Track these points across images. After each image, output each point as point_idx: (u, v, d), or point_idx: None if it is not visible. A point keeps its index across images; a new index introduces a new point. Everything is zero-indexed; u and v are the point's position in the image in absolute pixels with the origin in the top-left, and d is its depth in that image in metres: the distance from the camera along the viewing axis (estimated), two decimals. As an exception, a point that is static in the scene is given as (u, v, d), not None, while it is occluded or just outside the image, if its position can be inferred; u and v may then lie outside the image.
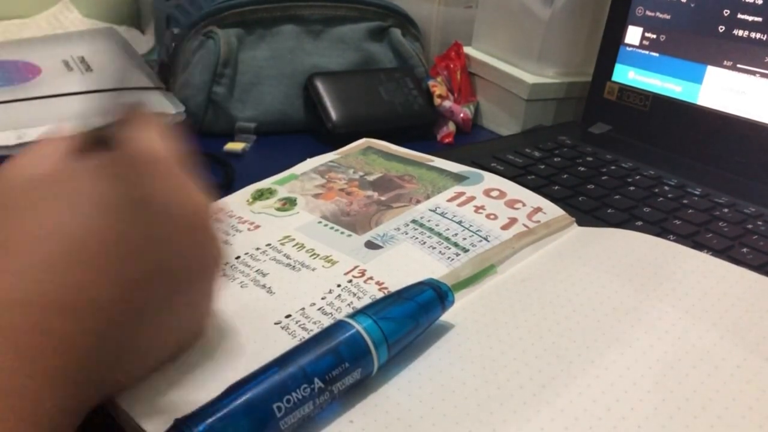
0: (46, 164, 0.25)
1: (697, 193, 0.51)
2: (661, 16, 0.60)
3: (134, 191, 0.25)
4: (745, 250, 0.43)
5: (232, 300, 0.34)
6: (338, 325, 0.28)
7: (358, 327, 0.28)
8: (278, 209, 0.43)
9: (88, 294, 0.23)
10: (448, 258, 0.38)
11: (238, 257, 0.38)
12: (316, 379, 0.26)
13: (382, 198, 0.45)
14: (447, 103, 0.67)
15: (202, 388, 0.27)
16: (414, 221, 0.41)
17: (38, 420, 0.21)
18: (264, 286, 0.35)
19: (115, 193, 0.25)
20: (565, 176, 0.54)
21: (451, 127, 0.67)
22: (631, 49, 0.63)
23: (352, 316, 0.29)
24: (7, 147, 0.54)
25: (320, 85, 0.63)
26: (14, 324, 0.21)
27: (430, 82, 0.69)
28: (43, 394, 0.21)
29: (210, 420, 0.23)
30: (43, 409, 0.21)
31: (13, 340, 0.21)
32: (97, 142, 0.26)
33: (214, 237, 0.28)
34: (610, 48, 0.64)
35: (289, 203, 0.44)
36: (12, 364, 0.21)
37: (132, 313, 0.25)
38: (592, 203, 0.49)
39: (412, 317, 0.30)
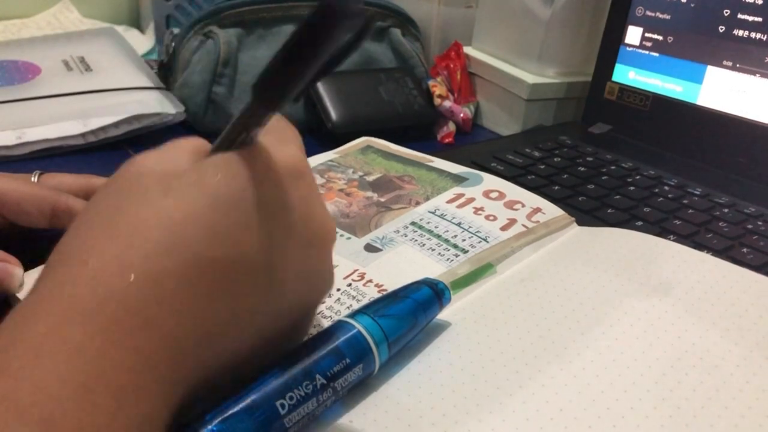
0: (161, 163, 0.25)
1: (697, 193, 0.51)
2: (661, 16, 0.60)
3: (264, 194, 0.24)
4: (745, 250, 0.43)
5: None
6: (338, 325, 0.28)
7: (358, 326, 0.28)
8: (278, 209, 0.43)
9: (179, 284, 0.22)
10: (448, 260, 0.38)
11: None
12: (318, 376, 0.26)
13: (382, 199, 0.45)
14: (447, 103, 0.67)
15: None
16: (413, 223, 0.41)
17: (138, 421, 0.20)
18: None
19: (237, 191, 0.24)
20: (565, 176, 0.54)
21: (451, 127, 0.67)
22: (631, 49, 0.63)
23: (351, 315, 0.29)
24: (7, 147, 0.54)
25: (320, 85, 0.63)
26: (101, 309, 0.21)
27: (430, 82, 0.69)
28: (146, 395, 0.21)
29: (215, 422, 0.23)
30: (144, 411, 0.21)
31: (102, 326, 0.21)
32: (230, 147, 0.25)
33: (330, 264, 0.28)
34: (610, 48, 0.64)
35: (289, 203, 0.44)
36: (102, 351, 0.20)
37: (227, 312, 0.24)
38: (592, 203, 0.49)
39: (411, 315, 0.30)
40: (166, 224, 0.22)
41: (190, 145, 0.26)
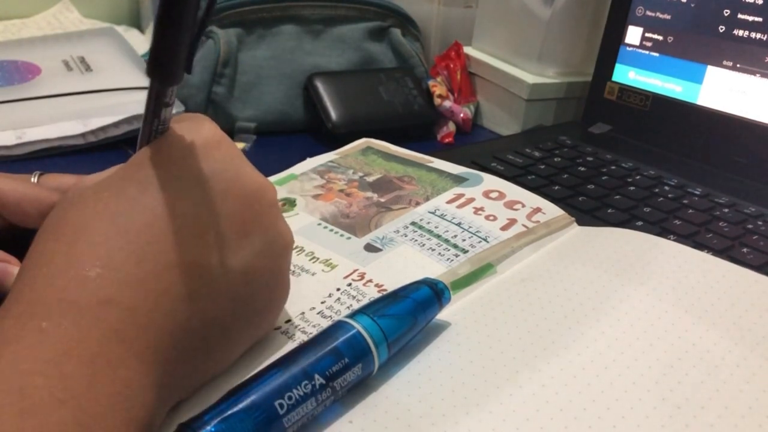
0: (101, 174, 0.27)
1: (697, 193, 0.51)
2: (661, 16, 0.60)
3: (183, 167, 0.26)
4: (745, 250, 0.43)
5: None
6: (338, 326, 0.28)
7: (357, 327, 0.28)
8: (278, 209, 0.43)
9: (132, 263, 0.24)
10: (448, 259, 0.38)
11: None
12: (316, 376, 0.26)
13: (382, 200, 0.45)
14: (447, 103, 0.67)
15: (204, 394, 0.27)
16: (413, 223, 0.41)
17: (118, 387, 0.22)
18: (264, 287, 0.35)
19: (158, 170, 0.25)
20: (565, 176, 0.54)
21: (451, 127, 0.67)
22: (631, 49, 0.63)
23: (350, 316, 0.29)
24: (7, 147, 0.54)
25: (320, 85, 0.63)
26: (62, 297, 0.22)
27: (430, 82, 0.69)
28: (121, 363, 0.22)
29: (214, 422, 0.23)
30: (122, 376, 0.22)
31: (64, 311, 0.22)
32: (150, 139, 0.27)
33: (280, 219, 0.29)
34: (611, 48, 0.64)
35: (288, 204, 0.44)
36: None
37: (204, 283, 0.25)
38: (592, 203, 0.49)
39: (410, 315, 0.30)
40: (105, 217, 0.24)
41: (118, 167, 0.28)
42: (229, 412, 0.24)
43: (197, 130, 0.27)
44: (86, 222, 0.24)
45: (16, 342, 0.21)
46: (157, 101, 0.25)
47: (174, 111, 0.64)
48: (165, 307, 0.24)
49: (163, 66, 0.24)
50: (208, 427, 0.23)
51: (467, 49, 0.72)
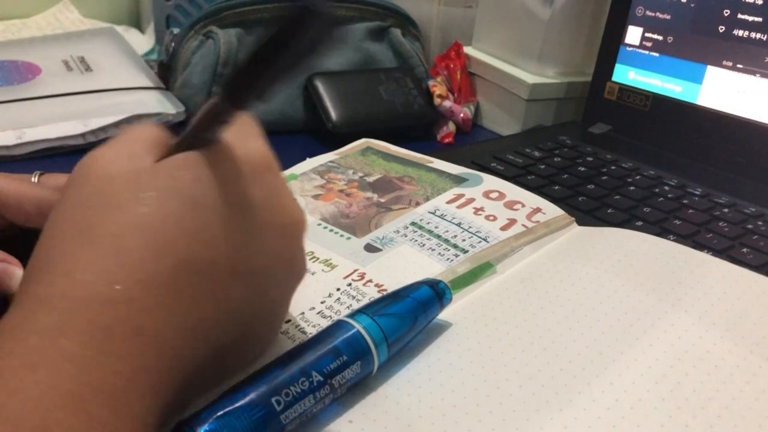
0: (126, 162, 0.25)
1: (697, 193, 0.51)
2: (661, 16, 0.60)
3: (234, 191, 0.25)
4: (745, 250, 0.43)
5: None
6: (338, 325, 0.28)
7: (357, 326, 0.28)
8: (278, 209, 0.43)
9: (165, 289, 0.23)
10: (448, 260, 0.38)
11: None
12: (314, 373, 0.26)
13: (382, 200, 0.45)
14: (447, 103, 0.67)
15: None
16: (413, 223, 0.41)
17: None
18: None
19: (209, 190, 0.24)
20: (565, 176, 0.54)
21: (451, 127, 0.67)
22: (631, 49, 0.63)
23: (351, 315, 0.29)
24: (7, 147, 0.54)
25: (320, 85, 0.63)
26: (94, 320, 0.21)
27: (430, 82, 0.69)
28: (142, 399, 0.21)
29: (211, 420, 0.23)
30: (141, 414, 0.21)
31: (95, 337, 0.21)
32: (193, 144, 0.25)
33: (303, 251, 0.28)
34: (610, 48, 0.64)
35: (288, 203, 0.44)
36: (96, 360, 0.20)
37: (211, 311, 0.24)
38: (592, 203, 0.49)
39: (411, 315, 0.30)
40: (145, 231, 0.23)
41: (148, 135, 0.26)
42: (227, 410, 0.24)
43: (249, 147, 0.26)
44: (121, 231, 0.23)
45: (38, 368, 0.20)
46: (220, 117, 0.24)
47: (174, 111, 0.64)
48: (187, 337, 0.23)
49: (247, 93, 0.22)
50: (206, 425, 0.23)
51: (467, 49, 0.72)
